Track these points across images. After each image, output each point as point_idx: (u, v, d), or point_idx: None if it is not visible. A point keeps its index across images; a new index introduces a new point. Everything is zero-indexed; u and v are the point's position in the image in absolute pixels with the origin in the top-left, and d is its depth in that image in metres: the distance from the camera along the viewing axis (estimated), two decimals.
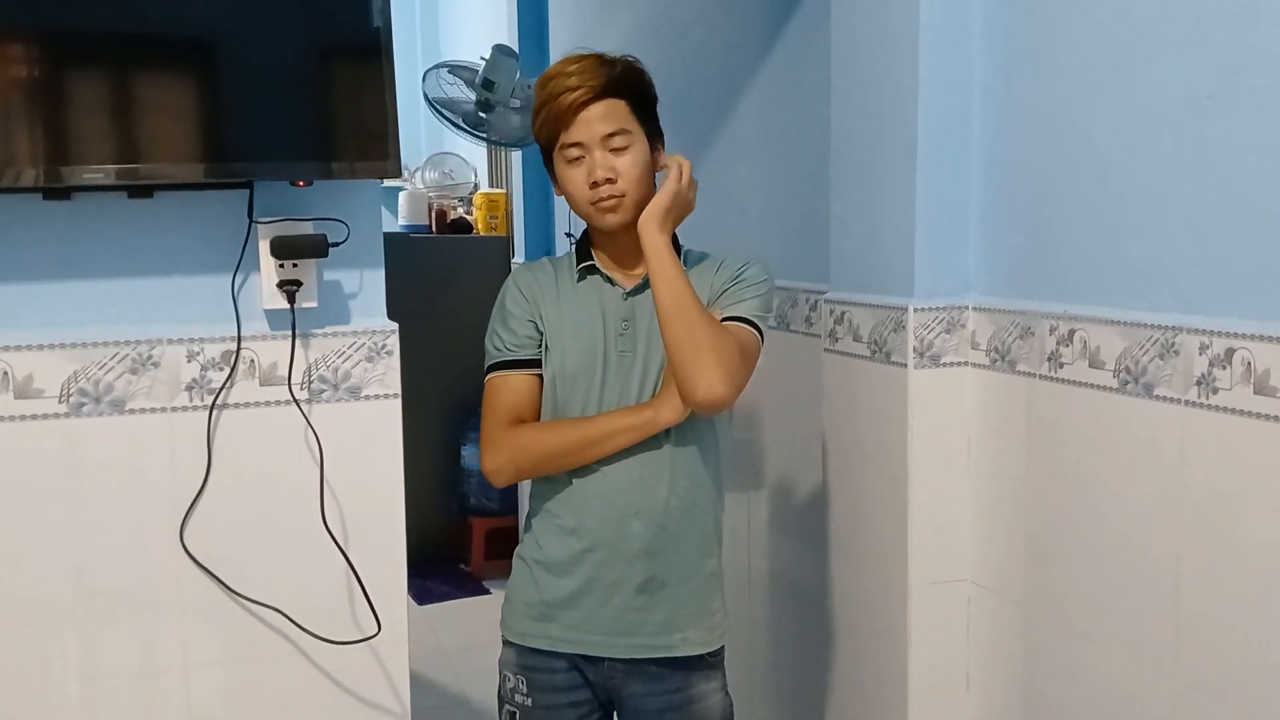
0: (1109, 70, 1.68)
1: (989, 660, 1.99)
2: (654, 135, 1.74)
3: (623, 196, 1.68)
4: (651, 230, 1.66)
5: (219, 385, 1.74)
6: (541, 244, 4.88)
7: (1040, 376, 1.82)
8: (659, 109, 1.77)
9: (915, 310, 1.95)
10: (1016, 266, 1.90)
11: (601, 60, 1.70)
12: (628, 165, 1.68)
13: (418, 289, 4.66)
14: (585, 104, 1.67)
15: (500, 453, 1.73)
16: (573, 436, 1.71)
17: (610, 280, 1.75)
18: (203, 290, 1.75)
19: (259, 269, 1.74)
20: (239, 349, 1.75)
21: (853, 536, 2.18)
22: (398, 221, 5.31)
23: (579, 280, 1.76)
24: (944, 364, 1.97)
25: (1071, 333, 1.75)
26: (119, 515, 1.72)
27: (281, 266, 1.72)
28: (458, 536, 4.89)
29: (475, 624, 4.10)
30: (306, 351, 1.78)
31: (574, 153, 1.69)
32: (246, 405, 1.76)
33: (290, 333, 1.74)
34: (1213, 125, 1.51)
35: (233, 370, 1.75)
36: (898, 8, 1.96)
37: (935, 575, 2.00)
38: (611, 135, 1.67)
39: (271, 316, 1.77)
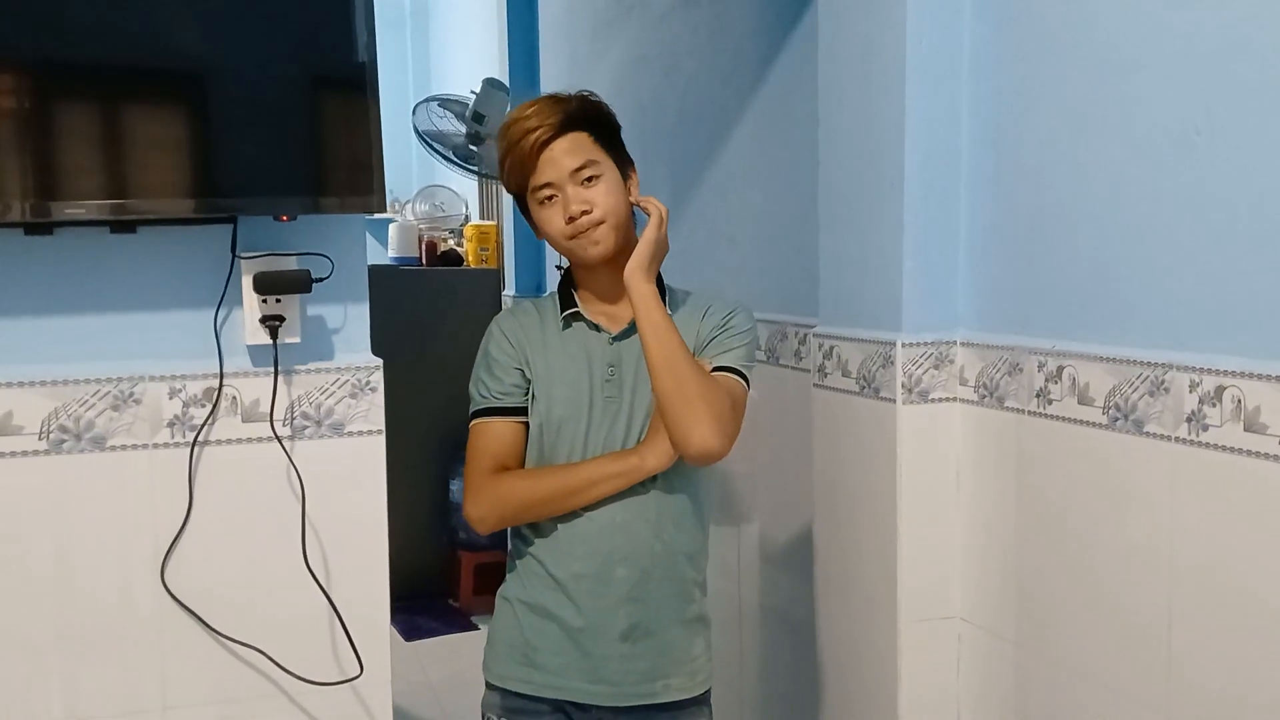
0: (1098, 104, 1.68)
1: (980, 698, 1.96)
2: (623, 163, 1.72)
3: (601, 224, 1.66)
4: (638, 281, 1.63)
5: (201, 422, 1.72)
6: (532, 276, 4.89)
7: (1029, 413, 1.80)
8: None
9: (904, 345, 1.93)
10: (1005, 302, 1.89)
11: (556, 99, 1.69)
12: (601, 195, 1.66)
13: (407, 321, 4.66)
14: (547, 143, 1.66)
15: (483, 501, 1.72)
16: (556, 484, 1.69)
17: (596, 327, 1.74)
18: (185, 326, 1.73)
19: (242, 304, 1.73)
20: (221, 386, 1.73)
21: (842, 572, 2.16)
22: (388, 254, 5.30)
23: (564, 328, 1.75)
24: (932, 400, 1.96)
25: (1060, 369, 1.74)
26: (99, 553, 1.70)
27: (264, 302, 1.71)
28: (446, 571, 4.85)
29: (463, 660, 4.05)
30: (289, 388, 1.76)
31: (546, 193, 1.68)
32: (228, 442, 1.74)
33: (273, 369, 1.73)
34: (1202, 160, 1.51)
35: (215, 407, 1.73)
36: (884, 42, 1.96)
37: (925, 612, 1.98)
38: (579, 169, 1.66)
39: (254, 352, 1.75)
